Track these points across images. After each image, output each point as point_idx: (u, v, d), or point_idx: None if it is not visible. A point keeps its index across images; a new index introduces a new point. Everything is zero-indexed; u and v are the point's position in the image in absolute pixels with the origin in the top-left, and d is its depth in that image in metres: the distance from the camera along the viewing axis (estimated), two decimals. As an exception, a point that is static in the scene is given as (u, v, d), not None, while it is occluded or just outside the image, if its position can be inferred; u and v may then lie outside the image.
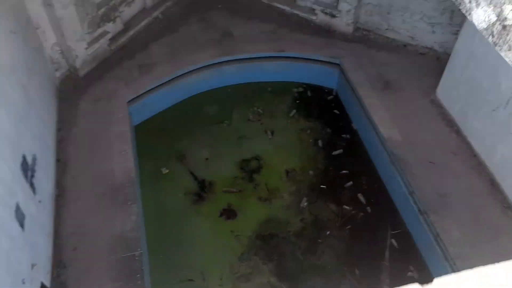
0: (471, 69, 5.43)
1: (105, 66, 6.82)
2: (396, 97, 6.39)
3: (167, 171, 6.34)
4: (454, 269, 4.61)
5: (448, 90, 5.98)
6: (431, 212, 5.02)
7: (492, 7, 2.08)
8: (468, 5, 2.22)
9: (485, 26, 2.16)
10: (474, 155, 5.56)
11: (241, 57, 7.27)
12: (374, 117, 6.11)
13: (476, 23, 2.21)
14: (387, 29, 7.12)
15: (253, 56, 7.30)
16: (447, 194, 5.20)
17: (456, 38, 5.75)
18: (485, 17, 2.14)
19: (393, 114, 6.12)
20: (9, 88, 4.50)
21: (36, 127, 5.13)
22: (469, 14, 2.24)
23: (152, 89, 6.71)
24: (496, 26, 2.09)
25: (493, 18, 2.09)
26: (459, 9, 2.38)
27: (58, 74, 6.29)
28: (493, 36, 2.14)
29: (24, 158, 4.44)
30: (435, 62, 6.80)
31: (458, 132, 5.81)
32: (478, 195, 5.19)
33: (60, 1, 5.66)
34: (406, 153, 5.64)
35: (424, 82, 6.54)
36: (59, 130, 5.93)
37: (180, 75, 6.94)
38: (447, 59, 5.95)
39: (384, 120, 6.06)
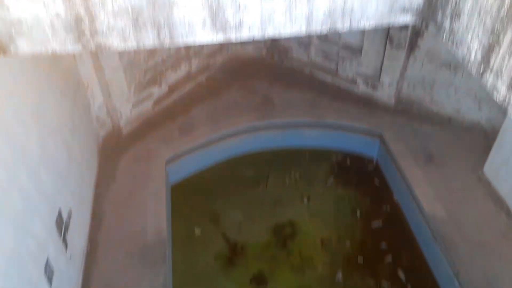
0: (521, 148, 5.17)
1: (147, 126, 7.03)
2: (440, 171, 6.13)
3: (199, 232, 6.26)
4: None
5: (497, 168, 5.68)
6: (478, 300, 4.61)
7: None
8: (507, 96, 2.06)
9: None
10: (526, 240, 5.16)
11: (280, 123, 7.31)
12: (416, 191, 5.86)
13: None
14: (430, 102, 7.00)
15: (292, 123, 7.32)
16: (497, 279, 4.78)
17: (505, 115, 5.54)
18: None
19: (437, 190, 5.85)
20: (53, 147, 4.66)
21: (75, 183, 5.25)
22: (509, 105, 2.07)
23: (190, 150, 6.80)
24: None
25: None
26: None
27: (102, 132, 6.52)
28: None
29: (59, 213, 4.50)
30: (482, 138, 6.55)
31: (508, 213, 5.44)
32: (531, 285, 4.75)
33: (110, 65, 5.99)
34: (451, 231, 5.31)
35: (470, 158, 6.27)
36: (97, 186, 6.06)
37: (219, 138, 7.03)
38: (495, 135, 5.71)
39: (427, 195, 5.79)
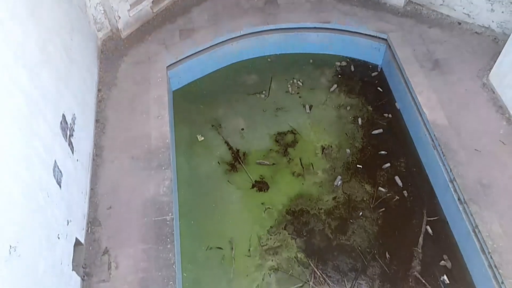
0: (531, 54, 5.04)
1: (146, 29, 6.81)
2: (445, 78, 6.05)
3: (202, 138, 6.34)
4: (491, 263, 4.42)
5: (503, 74, 5.60)
6: (471, 202, 4.80)
7: None
8: None
9: None
10: (524, 145, 5.24)
11: (284, 27, 7.05)
12: (419, 98, 5.82)
13: None
14: (441, 4, 6.69)
15: (296, 26, 7.07)
16: (491, 185, 4.94)
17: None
18: None
19: (440, 96, 5.82)
20: (52, 47, 4.53)
21: (77, 87, 5.19)
22: None
23: (192, 54, 6.65)
24: None
25: None
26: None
27: (100, 34, 6.31)
28: None
29: (63, 117, 4.51)
30: (491, 43, 6.37)
31: (509, 120, 5.47)
32: (524, 188, 4.92)
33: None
34: (450, 138, 5.38)
35: (477, 63, 6.16)
36: (99, 90, 6.01)
37: (220, 42, 6.83)
38: (505, 40, 5.54)
39: (430, 102, 5.77)
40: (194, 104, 6.74)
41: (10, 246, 3.05)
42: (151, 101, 5.93)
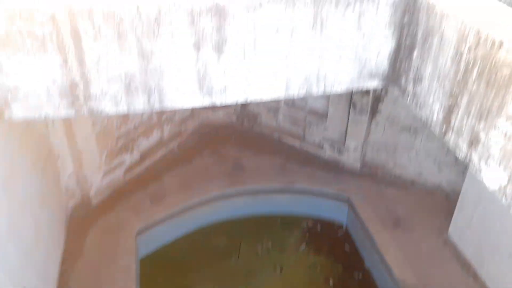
0: (481, 210, 5.39)
1: (117, 196, 6.89)
2: (408, 235, 6.28)
3: (170, 308, 5.99)
4: None
5: (461, 230, 5.88)
6: None
7: (502, 168, 2.09)
8: (477, 165, 2.27)
9: (496, 188, 2.17)
10: (495, 303, 5.23)
11: (251, 190, 7.38)
12: (386, 257, 5.93)
13: (487, 184, 2.22)
14: (394, 166, 7.31)
15: (263, 189, 7.41)
16: None
17: (464, 177, 5.84)
18: (497, 178, 2.15)
19: (406, 254, 5.95)
20: (21, 222, 4.41)
21: (41, 261, 4.93)
22: (479, 173, 2.28)
23: (161, 220, 6.69)
24: (508, 188, 2.08)
25: (505, 180, 2.09)
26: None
27: (70, 203, 6.33)
28: (506, 198, 2.09)
29: (24, 292, 4.22)
30: (444, 200, 6.83)
31: (475, 277, 5.54)
32: None
33: (82, 132, 5.97)
34: (422, 297, 5.35)
35: (435, 220, 6.48)
36: (63, 262, 5.74)
37: (190, 206, 6.98)
38: (457, 197, 5.95)
39: (397, 260, 5.87)
40: (163, 271, 6.51)
41: None
42: (117, 272, 5.67)
